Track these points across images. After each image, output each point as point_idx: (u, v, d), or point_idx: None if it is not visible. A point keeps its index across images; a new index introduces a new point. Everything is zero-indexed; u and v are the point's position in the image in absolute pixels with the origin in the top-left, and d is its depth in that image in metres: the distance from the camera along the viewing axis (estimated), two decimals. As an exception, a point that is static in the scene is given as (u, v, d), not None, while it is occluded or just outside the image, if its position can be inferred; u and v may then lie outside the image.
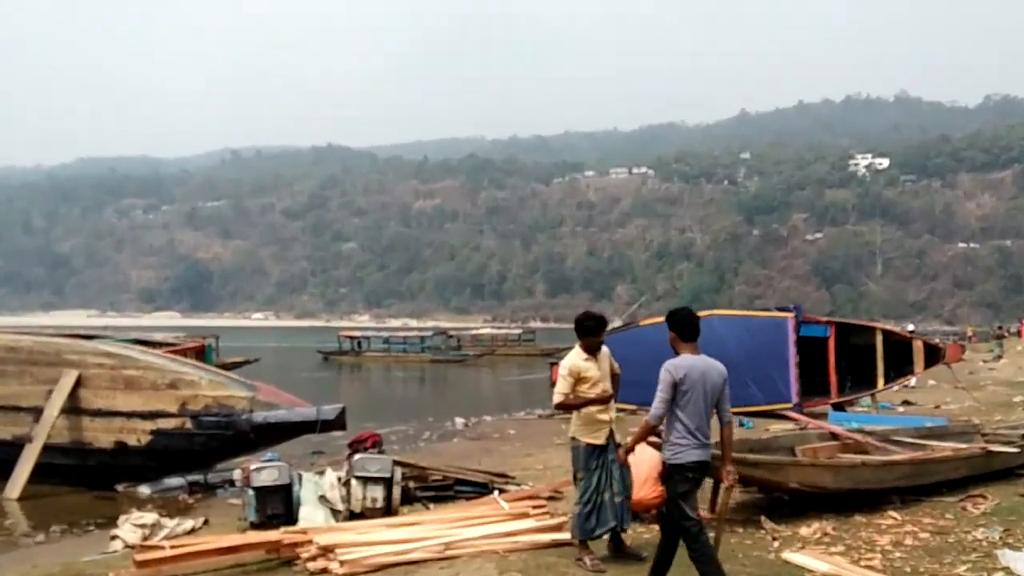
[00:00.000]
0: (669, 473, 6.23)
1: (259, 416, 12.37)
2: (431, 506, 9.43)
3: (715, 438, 6.39)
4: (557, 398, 7.33)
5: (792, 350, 17.69)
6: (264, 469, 9.19)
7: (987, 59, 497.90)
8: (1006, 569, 6.53)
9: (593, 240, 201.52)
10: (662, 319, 21.55)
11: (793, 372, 17.56)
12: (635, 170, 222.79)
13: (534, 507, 8.52)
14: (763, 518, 8.32)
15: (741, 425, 16.66)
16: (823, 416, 16.35)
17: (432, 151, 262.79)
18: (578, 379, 7.18)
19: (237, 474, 10.25)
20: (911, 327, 27.86)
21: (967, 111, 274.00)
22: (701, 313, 21.19)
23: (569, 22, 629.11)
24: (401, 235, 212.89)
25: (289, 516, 8.95)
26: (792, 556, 7.08)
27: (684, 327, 6.57)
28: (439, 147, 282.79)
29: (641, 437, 6.65)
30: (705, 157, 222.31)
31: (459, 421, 21.53)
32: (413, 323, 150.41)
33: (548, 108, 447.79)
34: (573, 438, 7.28)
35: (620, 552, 7.26)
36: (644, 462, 7.90)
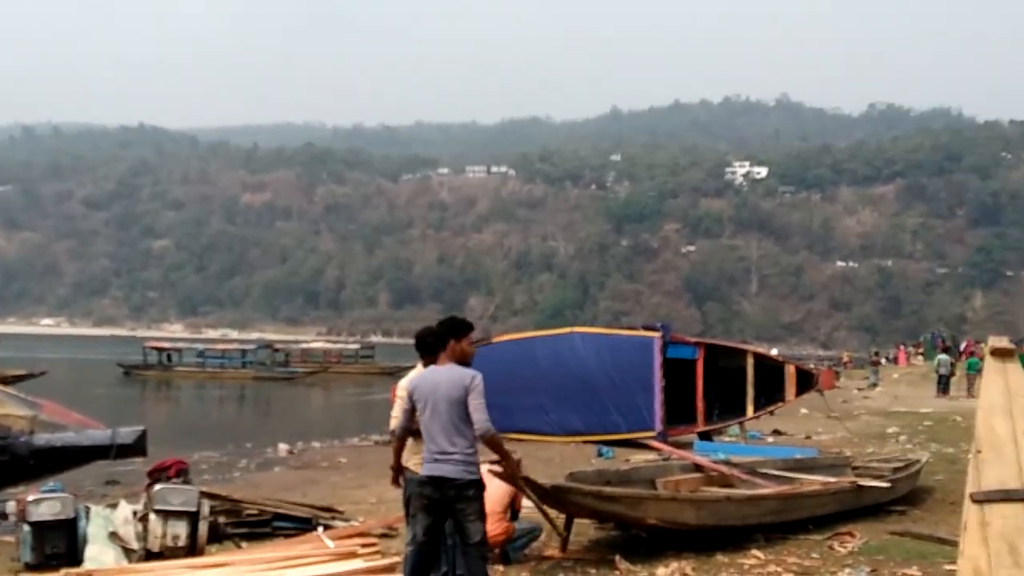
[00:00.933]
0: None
1: (41, 439, 11.66)
2: (244, 545, 9.06)
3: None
4: (392, 422, 7.23)
5: (658, 373, 18.04)
6: (43, 501, 8.68)
7: (871, 66, 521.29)
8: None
9: (445, 246, 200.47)
10: (519, 336, 21.84)
11: (658, 397, 17.91)
12: (494, 169, 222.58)
13: (364, 545, 8.36)
14: (618, 557, 8.38)
15: (600, 455, 16.90)
16: (688, 445, 16.71)
17: (263, 137, 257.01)
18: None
19: (11, 506, 9.75)
20: (775, 351, 28.72)
21: (850, 119, 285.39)
22: (562, 330, 21.62)
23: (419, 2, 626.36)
24: (224, 233, 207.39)
25: (73, 556, 8.47)
26: (647, 599, 7.20)
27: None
28: (272, 133, 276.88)
29: (395, 457, 6.75)
30: (572, 157, 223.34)
31: (283, 447, 20.96)
32: (234, 334, 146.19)
33: (398, 95, 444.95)
34: (406, 468, 7.17)
35: None
36: (489, 496, 7.87)
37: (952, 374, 36.69)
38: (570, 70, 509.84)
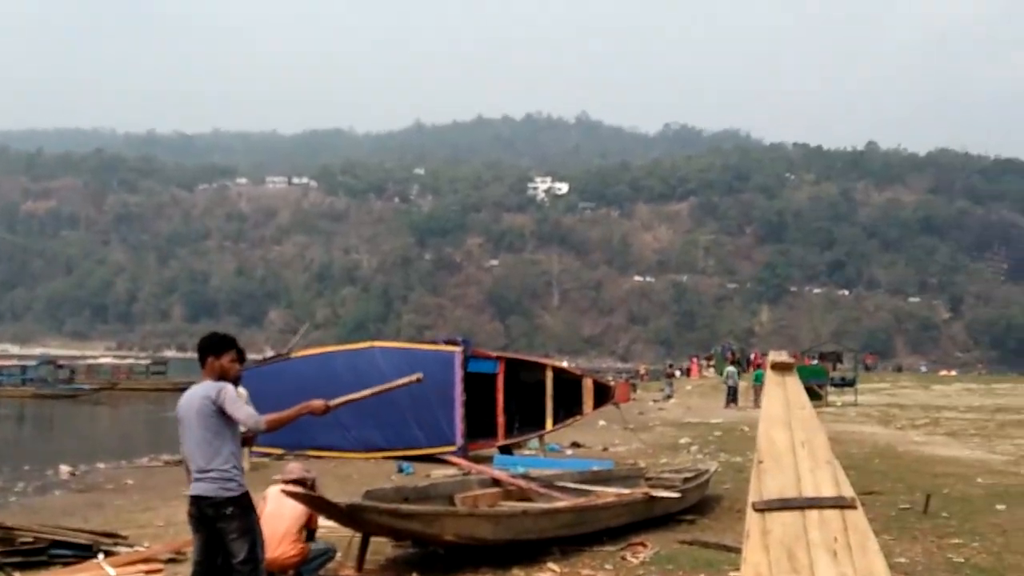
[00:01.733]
0: None
1: None
2: (17, 574, 8.59)
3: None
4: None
5: (459, 388, 18.09)
6: None
7: (667, 88, 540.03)
8: (660, 621, 6.98)
9: (244, 258, 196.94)
10: (319, 350, 21.50)
11: (459, 412, 17.97)
12: (295, 180, 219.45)
13: (148, 571, 8.07)
14: (415, 575, 8.39)
15: (400, 471, 16.82)
16: (489, 460, 16.84)
17: (49, 142, 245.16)
18: None
19: None
20: (565, 363, 29.26)
21: (647, 139, 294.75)
22: (362, 344, 21.39)
23: (223, 4, 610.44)
24: (3, 242, 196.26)
25: None
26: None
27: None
28: (58, 138, 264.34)
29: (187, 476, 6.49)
30: (375, 170, 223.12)
31: (64, 469, 19.72)
32: (15, 349, 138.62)
33: (194, 101, 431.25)
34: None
35: None
36: (283, 516, 7.72)
37: (735, 391, 38.25)
38: (374, 82, 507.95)
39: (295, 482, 7.99)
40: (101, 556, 8.89)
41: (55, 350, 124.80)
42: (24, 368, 58.30)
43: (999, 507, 12.03)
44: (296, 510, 7.90)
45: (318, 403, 6.49)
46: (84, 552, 9.09)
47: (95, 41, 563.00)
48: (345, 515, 8.28)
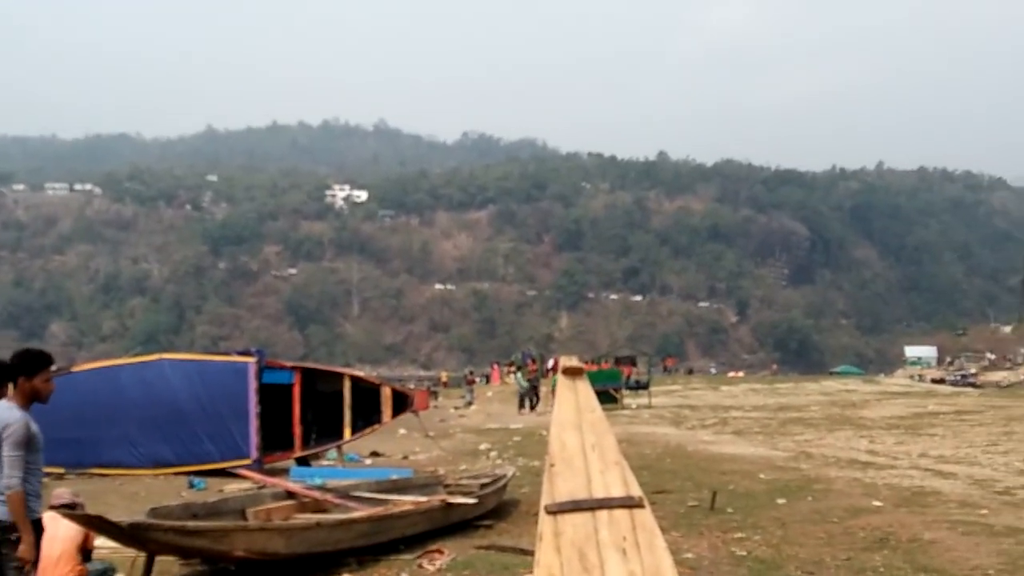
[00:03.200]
0: None
1: None
2: None
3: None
4: None
5: (253, 399, 17.73)
6: None
7: (465, 96, 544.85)
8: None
9: (22, 268, 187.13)
10: (103, 363, 20.62)
11: (253, 424, 17.61)
12: (78, 186, 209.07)
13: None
14: (204, 595, 8.18)
15: (192, 486, 16.33)
16: (285, 472, 16.57)
17: None
18: None
19: None
20: (363, 372, 29.04)
21: (445, 147, 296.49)
22: (150, 356, 20.70)
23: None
24: None
25: None
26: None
27: None
28: None
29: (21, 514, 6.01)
30: (165, 176, 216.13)
31: None
32: None
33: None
34: None
35: None
36: (57, 538, 7.36)
37: (536, 389, 38.73)
38: (161, 86, 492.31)
39: (64, 506, 7.68)
40: None
41: None
42: None
43: (779, 501, 12.54)
44: (71, 531, 7.59)
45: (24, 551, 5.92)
46: None
47: None
48: (127, 535, 7.97)
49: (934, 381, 68.08)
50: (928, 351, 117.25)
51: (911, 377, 79.22)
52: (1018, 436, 22.30)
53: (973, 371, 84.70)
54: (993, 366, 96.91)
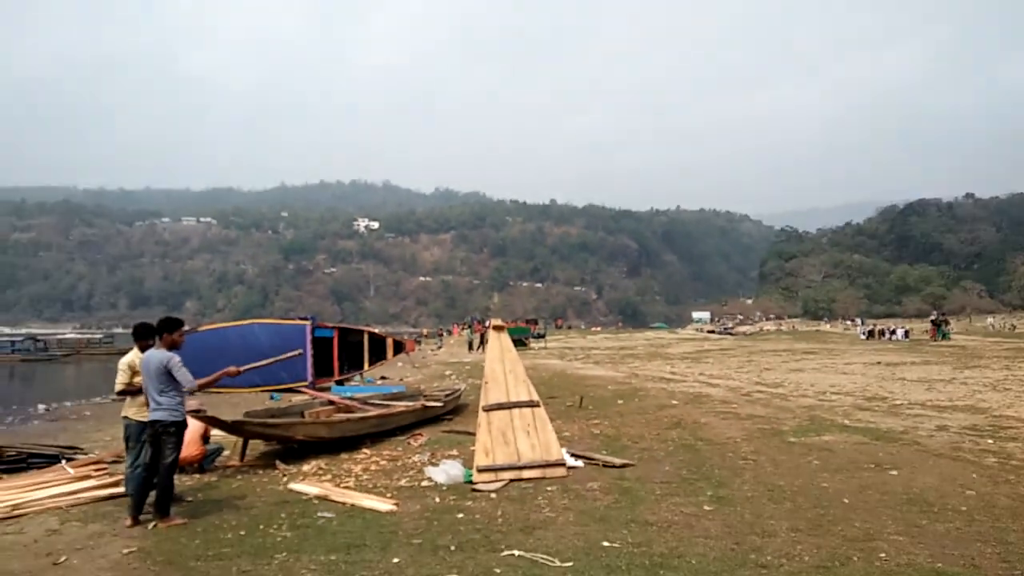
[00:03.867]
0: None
1: None
2: (3, 477, 7.67)
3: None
4: (118, 387, 6.44)
5: (309, 346, 17.43)
6: None
7: (437, 164, 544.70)
8: (429, 479, 6.98)
9: (168, 269, 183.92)
10: (217, 325, 19.91)
11: (310, 361, 17.28)
12: (203, 219, 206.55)
13: (96, 470, 7.35)
14: (277, 461, 8.03)
15: (272, 398, 16.03)
16: (328, 389, 16.33)
17: (29, 195, 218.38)
18: (133, 372, 6.34)
19: None
20: (376, 329, 28.60)
21: (425, 196, 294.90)
22: (245, 321, 20.05)
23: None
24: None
25: None
26: (295, 486, 6.90)
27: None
28: (36, 192, 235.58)
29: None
30: (255, 213, 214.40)
31: (41, 407, 17.66)
32: (6, 329, 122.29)
33: (131, 165, 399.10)
34: (125, 416, 6.43)
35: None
36: (189, 430, 7.22)
37: (484, 340, 38.54)
38: (250, 155, 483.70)
39: (195, 410, 7.54)
40: (64, 462, 8.05)
41: (36, 329, 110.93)
42: (13, 342, 51.54)
43: (620, 402, 12.62)
44: (196, 425, 7.44)
45: (232, 369, 6.33)
46: (52, 460, 8.22)
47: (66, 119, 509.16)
48: (230, 427, 7.84)
49: (708, 332, 69.15)
50: (705, 315, 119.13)
51: (696, 330, 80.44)
52: (755, 362, 22.76)
53: (731, 325, 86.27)
54: (742, 323, 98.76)
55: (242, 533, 5.50)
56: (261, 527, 5.62)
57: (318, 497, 6.45)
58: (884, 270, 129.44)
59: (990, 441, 8.21)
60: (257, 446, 8.83)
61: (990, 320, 70.14)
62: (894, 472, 6.72)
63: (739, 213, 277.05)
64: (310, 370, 17.33)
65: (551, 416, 10.11)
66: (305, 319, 18.45)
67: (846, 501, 5.81)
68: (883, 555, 4.54)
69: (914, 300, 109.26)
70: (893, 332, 45.32)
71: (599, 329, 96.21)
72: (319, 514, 5.91)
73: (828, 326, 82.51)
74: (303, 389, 14.30)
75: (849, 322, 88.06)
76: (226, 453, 8.36)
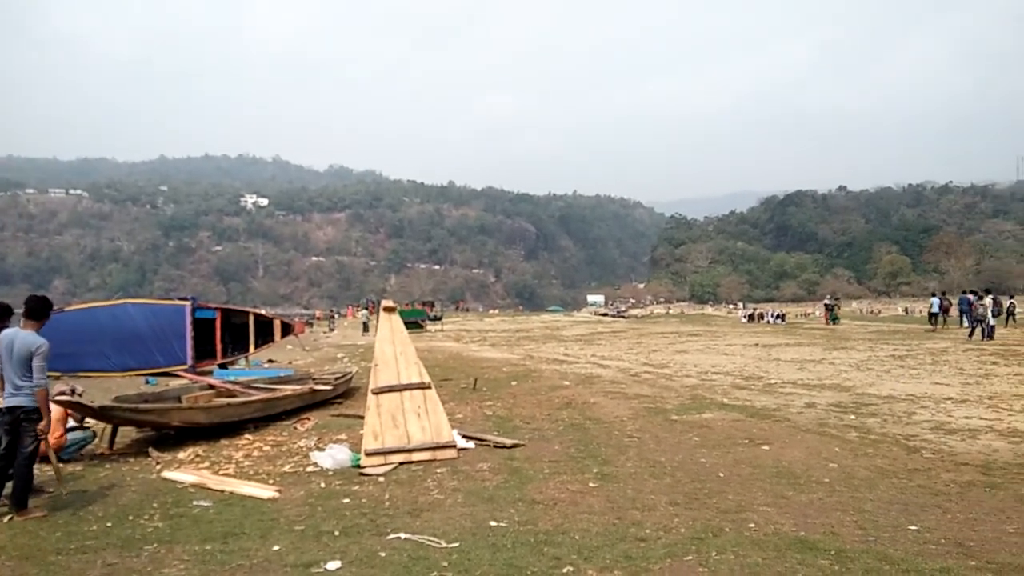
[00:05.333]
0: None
1: None
2: None
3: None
4: None
5: (189, 327, 16.64)
6: None
7: (329, 136, 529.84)
8: (314, 464, 6.82)
9: (33, 244, 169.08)
10: (86, 304, 18.71)
11: (189, 342, 16.53)
12: (72, 191, 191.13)
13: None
14: (151, 449, 7.62)
15: (147, 383, 15.17)
16: (210, 373, 15.65)
17: None
18: None
19: None
20: (263, 311, 27.60)
21: (318, 173, 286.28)
22: (118, 300, 18.86)
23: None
24: None
25: None
26: (169, 474, 6.58)
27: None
28: None
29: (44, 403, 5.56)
30: (132, 186, 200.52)
31: None
32: None
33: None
34: None
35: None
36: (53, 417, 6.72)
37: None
38: (127, 125, 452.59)
39: (61, 394, 7.02)
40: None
41: None
42: None
43: (513, 383, 12.73)
44: (60, 411, 6.94)
45: (43, 425, 5.50)
46: None
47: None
48: (98, 413, 7.36)
49: (602, 315, 71.05)
50: (599, 298, 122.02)
51: (591, 313, 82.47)
52: (644, 344, 23.52)
53: (623, 309, 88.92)
54: (633, 306, 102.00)
55: (109, 525, 5.19)
56: (130, 518, 5.33)
57: (194, 485, 6.17)
58: (764, 257, 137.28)
59: (852, 417, 8.87)
60: (129, 433, 8.35)
61: (855, 304, 75.78)
62: (766, 447, 7.14)
63: (632, 200, 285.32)
64: (190, 353, 16.58)
65: (445, 398, 10.11)
66: (185, 299, 17.59)
67: (721, 475, 6.13)
68: (752, 525, 4.83)
69: (791, 285, 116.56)
70: (778, 316, 48.24)
71: (497, 312, 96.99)
72: (194, 503, 5.66)
73: (713, 310, 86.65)
74: (182, 373, 13.63)
75: (732, 306, 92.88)
76: (96, 440, 7.85)
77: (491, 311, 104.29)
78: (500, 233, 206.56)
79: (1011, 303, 30.74)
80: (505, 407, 10.06)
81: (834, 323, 37.14)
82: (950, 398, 10.30)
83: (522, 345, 24.77)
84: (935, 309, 29.62)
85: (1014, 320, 29.83)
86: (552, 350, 21.95)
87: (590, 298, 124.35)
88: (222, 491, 5.95)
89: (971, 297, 25.20)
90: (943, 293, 37.14)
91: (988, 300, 22.85)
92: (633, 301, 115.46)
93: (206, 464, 7.04)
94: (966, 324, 25.53)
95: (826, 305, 42.71)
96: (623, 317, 64.55)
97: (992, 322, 22.50)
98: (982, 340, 21.51)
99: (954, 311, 31.38)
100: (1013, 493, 5.50)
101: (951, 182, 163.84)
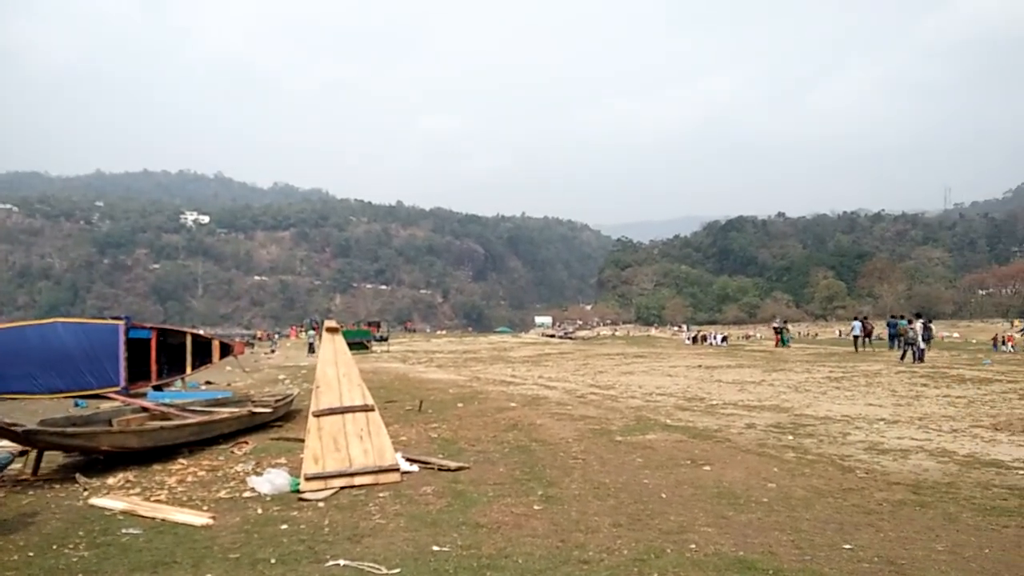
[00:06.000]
0: None
1: None
2: None
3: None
4: None
5: (122, 348, 16.07)
6: None
7: (273, 157, 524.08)
8: (252, 489, 6.63)
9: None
10: (11, 324, 17.95)
11: (122, 364, 15.96)
12: (0, 206, 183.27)
13: None
14: (78, 474, 7.28)
15: (77, 405, 14.56)
16: (144, 395, 15.11)
17: None
18: None
19: None
20: (201, 331, 26.89)
21: (263, 191, 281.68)
22: (47, 320, 18.20)
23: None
24: None
25: None
26: (97, 501, 6.29)
27: None
28: None
29: None
30: (64, 201, 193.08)
31: None
32: None
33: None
34: None
35: None
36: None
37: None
38: (62, 139, 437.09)
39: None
40: None
41: None
42: None
43: (459, 405, 12.62)
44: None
45: None
46: None
47: None
48: (20, 437, 7.02)
49: (549, 336, 71.41)
50: (547, 319, 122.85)
51: (538, 334, 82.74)
52: (590, 366, 23.68)
53: (571, 330, 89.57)
54: (581, 328, 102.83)
55: (31, 554, 4.93)
56: (54, 547, 5.08)
57: (123, 512, 5.92)
58: (707, 280, 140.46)
59: (790, 438, 9.09)
60: (55, 458, 7.97)
61: (791, 328, 77.93)
62: (707, 467, 7.25)
63: (580, 222, 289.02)
64: (123, 374, 16.00)
65: (389, 420, 9.97)
66: (119, 319, 17.00)
67: (664, 496, 6.19)
68: (693, 546, 4.88)
69: (733, 308, 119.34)
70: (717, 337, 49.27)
71: (444, 333, 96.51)
72: (123, 530, 5.43)
73: (658, 332, 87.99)
74: (114, 395, 13.12)
75: (676, 328, 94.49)
76: (16, 466, 7.46)
77: (439, 332, 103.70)
78: (448, 254, 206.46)
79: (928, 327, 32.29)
80: (451, 429, 9.97)
81: (785, 346, 37.68)
82: (883, 419, 10.65)
83: (469, 366, 24.65)
84: (856, 332, 31.52)
85: (928, 344, 31.30)
86: (499, 371, 21.89)
87: (538, 319, 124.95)
88: (153, 518, 5.72)
89: (900, 320, 26.24)
90: (865, 317, 39.55)
91: (918, 324, 23.85)
92: (580, 323, 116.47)
93: (137, 490, 6.76)
94: (897, 348, 26.56)
95: (776, 328, 43.51)
96: (570, 338, 64.99)
97: (923, 345, 23.48)
98: (913, 362, 22.37)
99: (884, 333, 33.17)
100: (942, 512, 5.70)
101: (883, 210, 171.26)
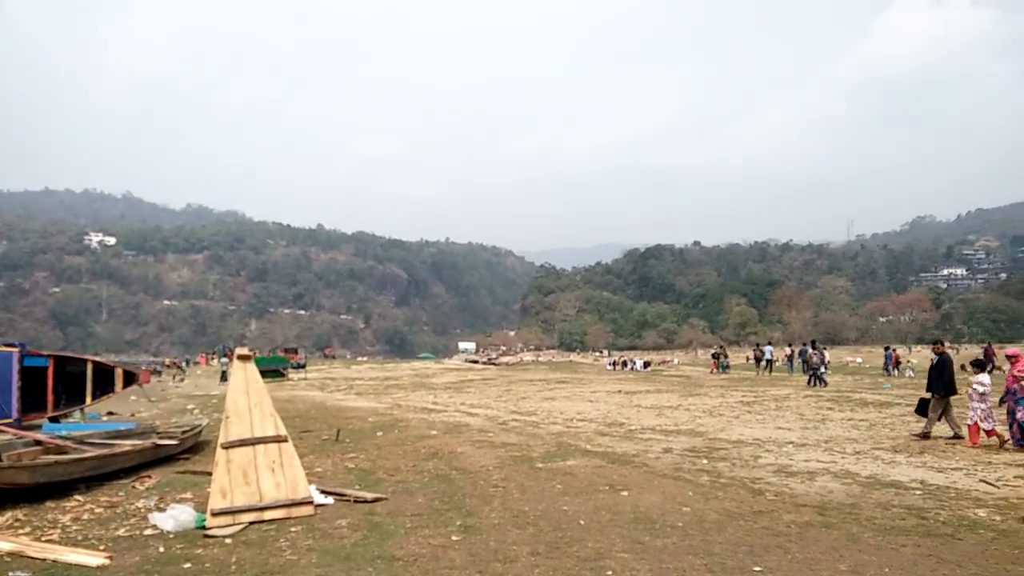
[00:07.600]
0: None
1: None
2: None
3: None
4: None
5: (15, 377, 15.05)
6: None
7: (187, 177, 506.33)
8: (153, 526, 6.29)
9: None
10: None
11: (15, 394, 14.93)
12: None
13: None
14: (-41, 516, 6.75)
15: (-40, 440, 13.52)
16: (40, 427, 14.18)
17: None
18: None
19: None
20: (101, 358, 25.62)
21: (175, 212, 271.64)
22: (-70, 348, 16.85)
23: None
24: None
25: None
26: (-21, 544, 5.84)
27: None
28: None
29: None
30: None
31: None
32: None
33: None
34: None
35: None
36: None
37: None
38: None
39: None
40: None
41: None
42: None
43: (379, 433, 12.42)
44: None
45: None
46: None
47: None
48: None
49: (473, 362, 71.15)
50: (471, 345, 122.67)
51: (462, 360, 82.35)
52: (513, 392, 23.73)
53: (494, 356, 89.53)
54: (504, 353, 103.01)
55: None
56: (-73, 597, 4.67)
57: (11, 553, 5.51)
58: (628, 307, 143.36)
59: (705, 462, 9.33)
60: (-68, 499, 7.36)
61: (700, 353, 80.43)
62: (625, 493, 7.35)
63: (504, 248, 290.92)
64: (15, 405, 14.98)
65: (304, 451, 9.69)
66: (12, 345, 15.93)
67: (582, 523, 6.22)
68: (610, 573, 4.92)
69: (652, 334, 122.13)
70: (635, 363, 50.25)
71: (366, 359, 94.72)
72: (10, 573, 5.05)
73: (580, 357, 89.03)
74: (5, 428, 12.25)
75: (598, 353, 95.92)
76: None
77: (360, 358, 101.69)
78: (371, 278, 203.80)
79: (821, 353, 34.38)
80: (369, 459, 9.78)
81: (724, 371, 38.00)
82: (791, 442, 11.08)
83: (390, 393, 24.28)
84: (768, 356, 36.03)
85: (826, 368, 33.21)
86: (421, 398, 21.66)
87: (461, 345, 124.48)
88: (44, 559, 5.35)
89: (809, 348, 27.63)
90: (768, 343, 43.25)
91: (812, 352, 25.48)
92: (504, 348, 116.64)
93: (27, 529, 6.32)
94: (803, 372, 27.97)
95: (714, 355, 44.09)
96: (494, 364, 64.95)
97: (823, 371, 24.80)
98: (818, 387, 23.46)
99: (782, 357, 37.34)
100: (845, 532, 5.95)
101: (791, 240, 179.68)
